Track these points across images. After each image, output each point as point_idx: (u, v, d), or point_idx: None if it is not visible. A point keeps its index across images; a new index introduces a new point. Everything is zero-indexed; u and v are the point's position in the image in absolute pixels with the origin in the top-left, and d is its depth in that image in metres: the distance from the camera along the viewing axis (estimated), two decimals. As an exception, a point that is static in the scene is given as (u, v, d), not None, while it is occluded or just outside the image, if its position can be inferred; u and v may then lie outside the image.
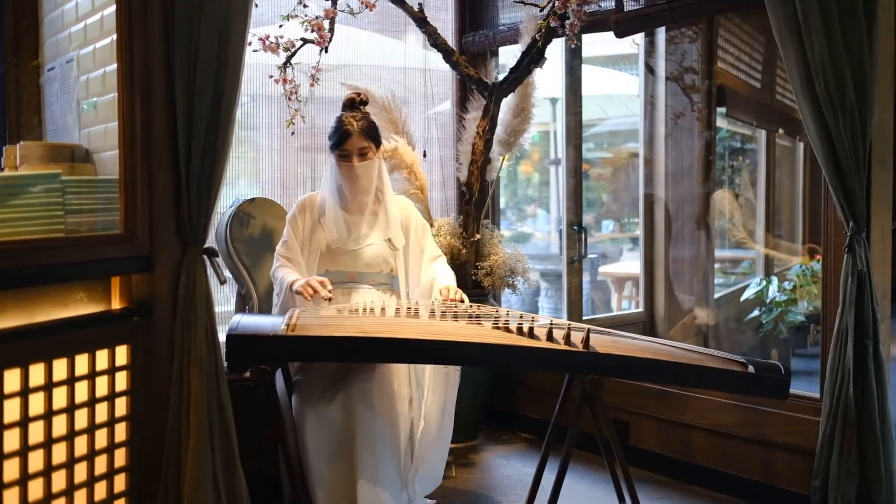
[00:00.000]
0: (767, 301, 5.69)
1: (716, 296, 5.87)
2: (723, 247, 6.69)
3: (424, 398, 3.04)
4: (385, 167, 3.26)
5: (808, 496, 2.93)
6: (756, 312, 5.86)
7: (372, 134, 3.12)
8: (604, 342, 2.70)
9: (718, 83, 5.40)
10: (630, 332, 2.93)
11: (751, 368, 2.60)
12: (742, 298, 5.98)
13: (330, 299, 2.89)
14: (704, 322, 5.39)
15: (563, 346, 2.60)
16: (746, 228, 6.64)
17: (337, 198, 3.13)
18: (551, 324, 2.69)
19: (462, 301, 2.97)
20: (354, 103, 3.17)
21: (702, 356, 2.69)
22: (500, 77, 4.08)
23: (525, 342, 2.61)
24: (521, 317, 2.78)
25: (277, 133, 4.07)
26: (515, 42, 4.04)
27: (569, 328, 2.64)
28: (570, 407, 2.90)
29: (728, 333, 5.92)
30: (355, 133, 3.06)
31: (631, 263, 7.89)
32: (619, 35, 3.99)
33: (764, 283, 5.86)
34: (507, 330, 2.69)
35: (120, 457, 2.39)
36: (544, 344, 2.61)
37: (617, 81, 8.14)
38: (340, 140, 3.06)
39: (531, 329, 2.66)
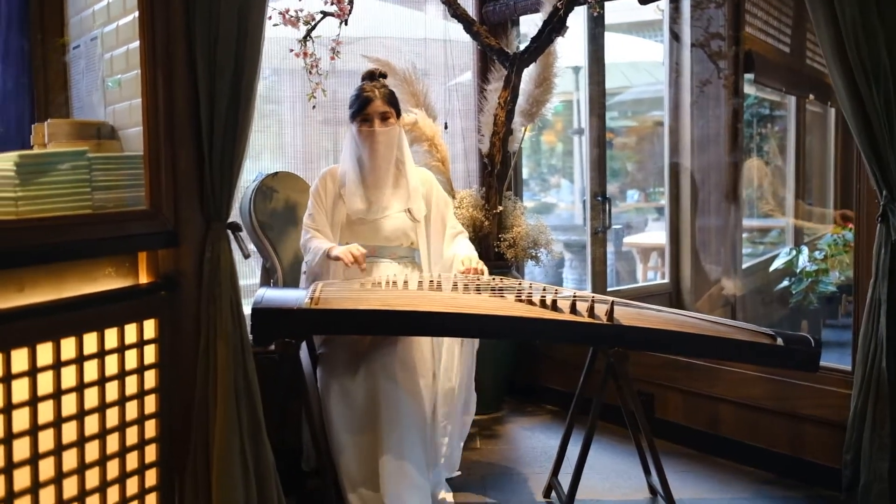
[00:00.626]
0: (797, 271, 5.63)
1: (744, 266, 5.82)
2: (751, 216, 6.64)
3: (455, 372, 3.05)
4: (405, 138, 3.28)
5: (839, 470, 2.90)
6: (785, 283, 5.81)
7: (393, 101, 3.15)
8: (628, 314, 2.70)
9: (746, 49, 5.33)
10: (655, 304, 2.93)
11: (780, 341, 2.59)
12: (771, 269, 5.92)
13: (363, 270, 2.94)
14: (732, 293, 5.36)
15: (586, 319, 2.60)
16: (776, 198, 6.57)
17: (357, 169, 3.14)
18: (574, 296, 2.70)
19: (482, 272, 2.98)
20: (374, 75, 3.20)
21: (729, 328, 2.68)
22: (522, 47, 4.05)
23: (548, 315, 2.62)
24: (543, 289, 2.78)
25: (300, 107, 4.08)
26: (536, 11, 4.00)
27: (592, 300, 2.64)
28: (595, 379, 2.91)
29: (756, 304, 5.89)
30: (377, 98, 3.09)
31: (656, 234, 7.85)
32: (643, 1, 3.94)
33: (794, 252, 5.79)
34: (530, 303, 2.70)
35: (150, 428, 2.43)
36: (567, 316, 2.61)
37: (641, 49, 8.04)
38: (362, 105, 3.09)
39: (554, 301, 2.66)
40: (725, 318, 2.81)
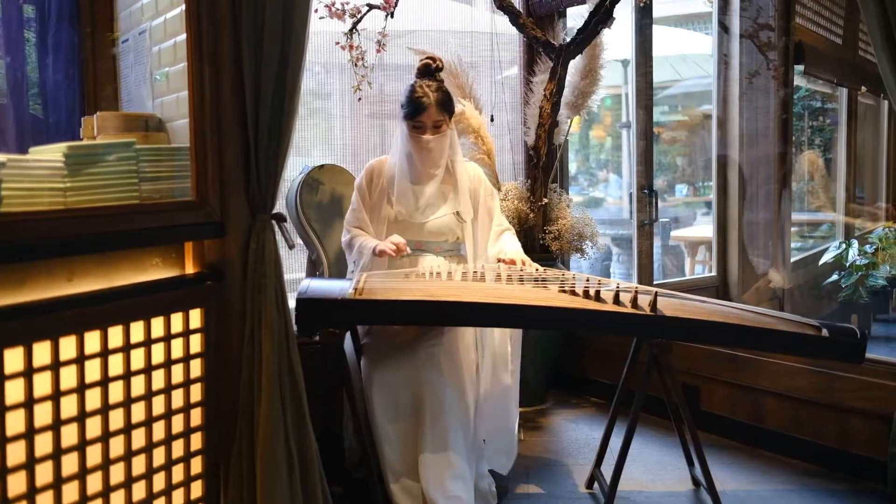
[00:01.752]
0: (847, 265, 5.53)
1: (792, 260, 5.73)
2: (801, 209, 6.53)
3: (508, 364, 3.04)
4: (457, 137, 3.21)
5: (885, 462, 2.86)
6: (835, 277, 5.71)
7: (448, 106, 3.06)
8: (671, 305, 2.67)
9: (796, 40, 5.23)
10: (701, 297, 2.89)
11: (825, 332, 2.54)
12: (820, 262, 5.82)
13: (408, 254, 2.96)
14: (780, 286, 5.27)
15: (629, 310, 2.58)
16: (826, 194, 6.46)
17: (406, 166, 3.09)
18: (618, 287, 2.67)
19: (523, 262, 2.96)
20: (430, 70, 3.10)
21: (774, 319, 2.64)
22: (568, 39, 4.02)
23: (591, 305, 2.60)
24: (587, 280, 2.77)
25: (348, 101, 4.10)
26: (583, 2, 3.99)
27: (636, 291, 2.62)
28: (638, 371, 2.88)
29: (805, 298, 5.79)
30: (431, 105, 2.99)
31: (704, 227, 7.75)
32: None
33: (843, 246, 5.69)
34: (574, 293, 2.68)
35: (195, 416, 2.46)
36: (610, 307, 2.59)
37: (690, 41, 7.95)
38: (415, 112, 3.00)
39: (597, 292, 2.64)
40: (770, 310, 2.76)
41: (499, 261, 2.98)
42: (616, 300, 2.62)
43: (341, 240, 3.16)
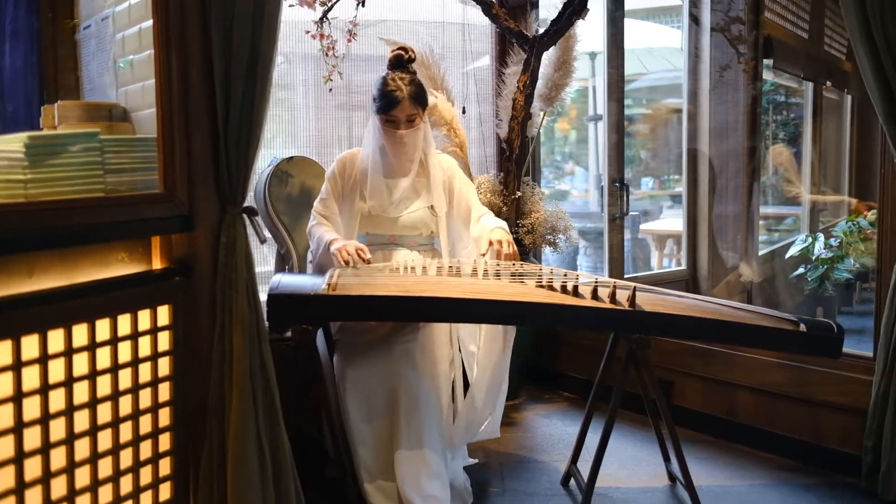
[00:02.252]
0: (813, 258, 5.57)
1: (759, 253, 5.77)
2: (766, 203, 6.57)
3: (479, 348, 2.98)
4: (430, 129, 3.14)
5: (860, 457, 2.87)
6: (801, 270, 5.75)
7: (421, 99, 2.97)
8: (650, 300, 2.64)
9: (765, 33, 5.25)
10: (678, 292, 2.86)
11: (802, 327, 2.52)
12: (787, 255, 5.86)
13: (369, 261, 2.84)
14: (750, 280, 5.30)
15: (608, 305, 2.54)
16: (802, 186, 6.52)
17: (379, 160, 3.01)
18: (596, 282, 2.63)
19: (513, 255, 2.88)
20: (402, 61, 3.00)
21: (751, 314, 2.62)
22: (540, 30, 3.98)
23: (569, 301, 2.56)
24: (565, 275, 2.73)
25: (313, 92, 4.02)
26: (557, -8, 3.94)
27: (614, 286, 2.58)
28: (615, 366, 2.85)
29: (772, 291, 5.83)
30: (405, 99, 2.90)
31: (672, 221, 7.79)
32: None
33: (809, 239, 5.73)
34: (551, 288, 2.64)
35: (164, 416, 2.38)
36: (589, 302, 2.55)
37: (658, 35, 7.96)
38: (388, 106, 2.91)
39: (575, 287, 2.60)
40: (747, 304, 2.74)
41: (490, 243, 2.87)
42: (594, 295, 2.58)
43: (308, 226, 3.08)
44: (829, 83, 7.04)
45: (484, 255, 2.88)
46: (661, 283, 4.57)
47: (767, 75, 6.11)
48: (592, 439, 2.94)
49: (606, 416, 2.69)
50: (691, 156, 5.19)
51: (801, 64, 6.37)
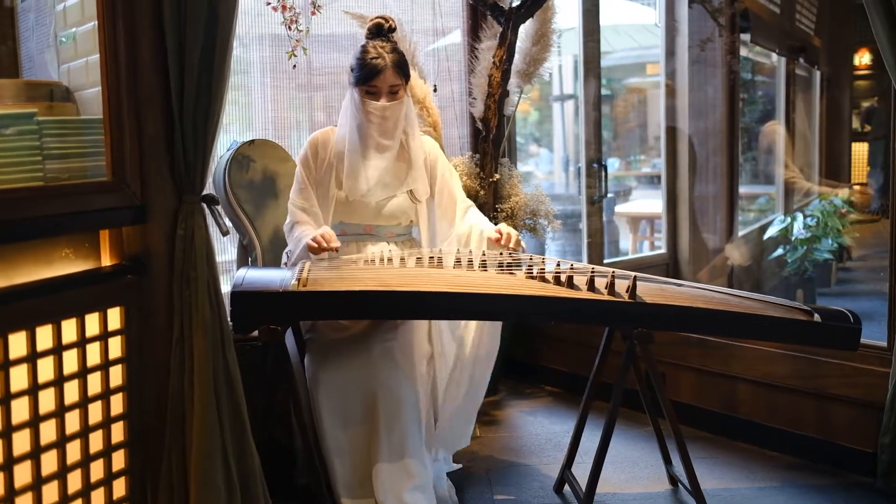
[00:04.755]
0: (792, 239, 5.44)
1: (739, 234, 5.63)
2: (742, 182, 6.44)
3: (467, 347, 2.77)
4: (413, 106, 2.88)
5: (874, 454, 2.69)
6: (780, 251, 5.63)
7: (403, 68, 2.72)
8: (650, 291, 2.44)
9: (743, 6, 5.08)
10: (652, 275, 2.66)
11: (817, 317, 2.34)
12: (766, 236, 5.73)
13: (337, 249, 2.58)
14: (738, 263, 5.14)
15: (606, 297, 2.33)
16: (797, 164, 6.39)
17: (357, 139, 2.75)
18: (593, 272, 2.42)
19: (519, 247, 2.67)
20: (382, 30, 2.75)
21: (762, 304, 2.43)
22: (516, 2, 3.74)
23: (565, 293, 2.35)
24: (557, 264, 2.50)
25: (270, 74, 3.75)
26: (532, -38, 3.70)
27: (612, 276, 2.38)
28: (612, 361, 2.65)
29: (752, 273, 5.69)
30: (388, 68, 2.65)
31: (644, 202, 7.63)
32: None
33: (788, 219, 5.60)
34: (544, 280, 2.43)
35: (117, 432, 2.14)
36: (586, 294, 2.35)
37: (624, 11, 7.76)
38: (369, 75, 2.66)
39: (570, 278, 2.39)
40: (753, 293, 2.54)
41: (498, 241, 2.66)
42: (591, 286, 2.37)
43: (285, 223, 2.80)
44: (801, 59, 6.93)
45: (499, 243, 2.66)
46: (642, 268, 4.39)
47: (742, 51, 5.97)
48: (584, 439, 2.76)
49: (606, 418, 2.47)
50: (670, 134, 5.01)
51: (775, 38, 6.23)
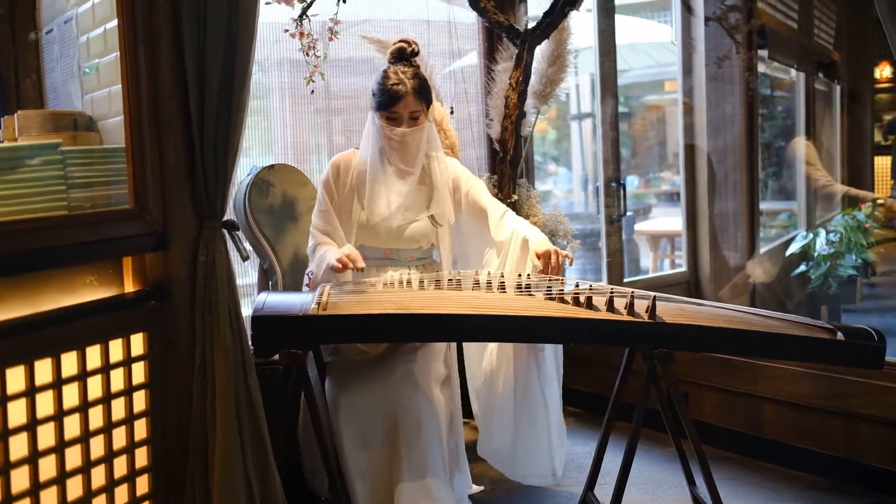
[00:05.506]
0: (815, 255, 5.40)
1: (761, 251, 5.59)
2: (763, 198, 6.41)
3: (492, 363, 2.77)
4: (434, 129, 2.87)
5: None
6: (803, 267, 5.58)
7: (426, 94, 2.71)
8: (670, 310, 2.43)
9: (759, 23, 5.08)
10: (674, 294, 2.66)
11: (840, 335, 2.32)
12: (788, 253, 5.69)
13: (362, 269, 2.57)
14: (760, 280, 5.10)
15: (625, 317, 2.33)
16: (832, 173, 6.35)
17: (378, 163, 2.75)
18: (612, 292, 2.42)
19: (563, 262, 2.62)
20: (404, 54, 2.74)
21: (783, 323, 2.41)
22: (530, 24, 3.77)
23: (584, 314, 2.34)
24: (576, 285, 2.50)
25: (290, 99, 3.80)
26: (547, -17, 3.72)
27: (631, 296, 2.37)
28: (632, 381, 2.64)
29: (774, 291, 5.65)
30: (408, 94, 2.65)
31: (664, 220, 7.61)
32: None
33: (810, 235, 5.56)
34: (563, 300, 2.43)
35: (141, 457, 2.16)
36: (605, 315, 2.34)
37: (641, 30, 7.79)
38: (390, 101, 2.66)
39: (589, 299, 2.39)
40: (773, 311, 2.53)
41: (545, 268, 2.60)
42: (610, 306, 2.37)
43: (308, 245, 2.82)
44: (820, 74, 6.90)
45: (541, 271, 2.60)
46: (663, 287, 4.38)
47: (760, 67, 5.96)
48: (606, 460, 2.74)
49: (628, 438, 2.46)
50: (688, 152, 5.00)
51: (793, 54, 6.22)
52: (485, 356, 2.82)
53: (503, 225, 2.79)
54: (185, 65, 2.13)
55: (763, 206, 6.72)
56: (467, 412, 2.96)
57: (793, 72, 6.92)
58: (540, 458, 2.80)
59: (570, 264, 2.67)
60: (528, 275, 2.63)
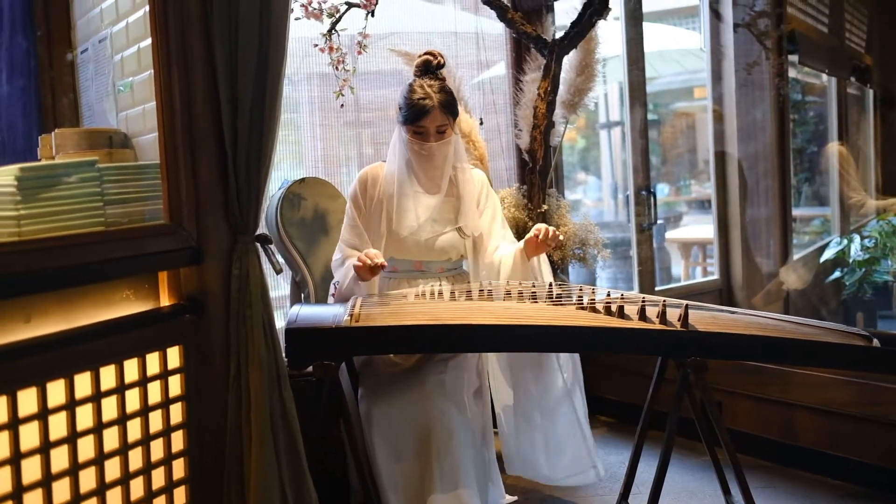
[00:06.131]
0: (850, 261, 5.33)
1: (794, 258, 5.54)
2: (799, 204, 6.35)
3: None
4: (461, 141, 2.89)
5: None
6: (837, 273, 5.51)
7: (452, 108, 2.73)
8: (703, 319, 2.42)
9: (789, 28, 5.04)
10: (705, 302, 2.64)
11: (876, 342, 2.29)
12: (822, 259, 5.62)
13: (384, 265, 2.58)
14: (794, 287, 5.05)
15: (658, 326, 2.32)
16: (865, 186, 6.27)
17: (406, 176, 2.78)
18: (643, 301, 2.41)
19: (555, 235, 2.66)
20: (430, 66, 2.76)
21: (818, 330, 2.39)
22: (557, 35, 3.78)
23: (615, 323, 2.34)
24: (607, 294, 2.51)
25: (319, 112, 3.83)
26: (573, -6, 3.74)
27: (663, 305, 2.37)
28: (664, 390, 2.63)
29: (809, 298, 5.59)
30: (435, 108, 2.66)
31: (695, 228, 7.56)
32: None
33: (845, 241, 5.49)
34: (594, 310, 2.43)
35: (178, 468, 2.18)
36: (637, 324, 2.34)
37: (669, 37, 7.76)
38: (417, 116, 2.67)
39: (621, 308, 2.39)
40: (808, 318, 2.51)
41: (529, 246, 2.67)
42: (642, 315, 2.36)
43: (333, 258, 2.85)
44: (852, 78, 6.83)
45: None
46: (695, 295, 4.36)
47: (790, 72, 5.91)
48: (640, 470, 2.73)
49: (662, 448, 2.45)
50: (719, 159, 4.97)
51: (824, 58, 6.16)
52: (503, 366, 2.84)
53: (493, 253, 2.83)
54: (218, 82, 2.16)
55: (796, 212, 6.66)
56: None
57: (824, 76, 6.85)
58: (578, 455, 2.82)
59: (561, 241, 2.66)
60: (560, 284, 2.64)
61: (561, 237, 2.65)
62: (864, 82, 7.28)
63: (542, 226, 2.68)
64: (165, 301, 2.22)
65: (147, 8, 2.24)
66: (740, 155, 4.92)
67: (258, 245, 2.30)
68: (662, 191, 10.00)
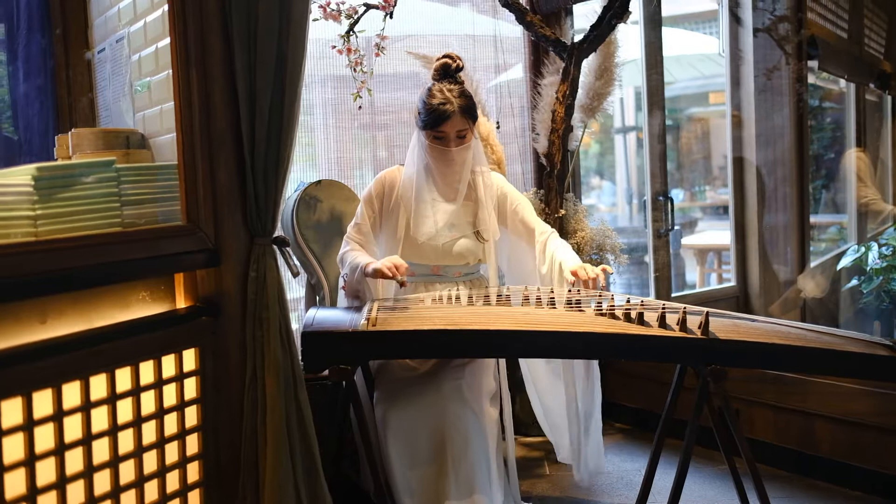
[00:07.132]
0: (867, 269, 5.28)
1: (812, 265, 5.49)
2: (815, 211, 6.30)
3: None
4: (480, 145, 2.86)
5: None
6: (854, 281, 5.46)
7: (472, 112, 2.69)
8: (724, 326, 2.39)
9: (809, 33, 4.99)
10: (722, 309, 2.61)
11: (900, 352, 2.26)
12: (839, 266, 5.57)
13: (404, 284, 2.56)
14: (812, 295, 5.00)
15: (678, 333, 2.29)
16: (883, 192, 6.23)
17: (424, 181, 2.75)
18: (664, 308, 2.39)
19: (599, 279, 2.58)
20: (449, 70, 2.73)
21: (840, 339, 2.35)
22: (575, 38, 3.75)
23: (635, 329, 2.31)
24: (627, 300, 2.48)
25: (333, 114, 3.81)
26: (592, -3, 3.71)
27: (683, 312, 2.34)
28: (685, 398, 2.59)
29: (826, 306, 5.54)
30: (455, 113, 2.63)
31: (711, 234, 7.51)
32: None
33: (862, 249, 5.44)
34: (613, 316, 2.40)
35: (193, 471, 2.17)
36: (657, 331, 2.31)
37: (686, 42, 7.73)
38: (437, 121, 2.64)
39: (641, 315, 2.36)
40: (831, 328, 2.47)
41: (584, 282, 2.59)
42: (662, 322, 2.33)
43: (339, 251, 2.82)
44: (871, 84, 6.77)
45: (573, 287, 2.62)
46: (711, 302, 4.32)
47: (809, 78, 5.87)
48: (657, 478, 2.70)
49: (680, 456, 2.42)
50: (737, 164, 4.92)
51: (844, 64, 6.11)
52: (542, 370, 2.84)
53: (546, 254, 2.77)
54: (237, 82, 2.14)
55: (814, 219, 6.61)
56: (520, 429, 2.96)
57: (842, 82, 6.80)
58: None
59: (608, 276, 2.62)
60: (579, 290, 2.61)
61: (602, 283, 2.59)
62: (883, 89, 7.23)
63: (583, 271, 2.59)
64: (182, 303, 2.20)
65: (165, 7, 2.24)
66: (758, 161, 4.87)
67: (275, 247, 2.28)
68: (678, 196, 9.95)
